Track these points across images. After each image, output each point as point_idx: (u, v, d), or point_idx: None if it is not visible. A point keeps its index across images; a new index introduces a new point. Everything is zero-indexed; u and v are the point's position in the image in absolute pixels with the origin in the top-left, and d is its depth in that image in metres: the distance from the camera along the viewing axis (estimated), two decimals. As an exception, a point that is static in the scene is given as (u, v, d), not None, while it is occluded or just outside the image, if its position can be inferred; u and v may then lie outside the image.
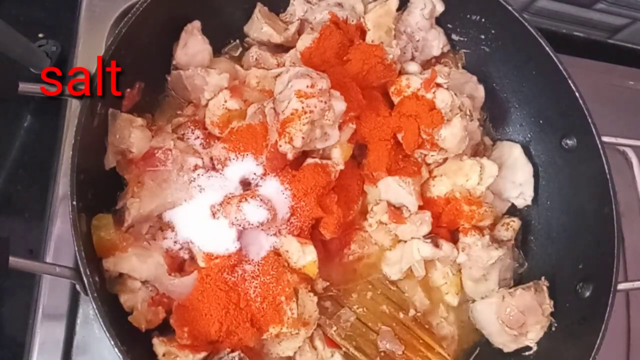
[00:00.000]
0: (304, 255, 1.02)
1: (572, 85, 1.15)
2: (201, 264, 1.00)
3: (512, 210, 1.28)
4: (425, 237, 1.15)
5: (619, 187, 1.11)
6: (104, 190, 1.01)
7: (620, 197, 1.11)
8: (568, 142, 1.20)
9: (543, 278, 1.18)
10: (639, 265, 1.44)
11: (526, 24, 1.18)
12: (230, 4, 1.21)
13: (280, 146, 1.00)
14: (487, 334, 1.18)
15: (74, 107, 1.17)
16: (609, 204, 1.10)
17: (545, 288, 1.16)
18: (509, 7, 1.18)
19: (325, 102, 1.00)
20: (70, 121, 1.18)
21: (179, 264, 1.03)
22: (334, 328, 1.08)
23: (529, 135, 1.28)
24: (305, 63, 1.13)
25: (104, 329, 0.85)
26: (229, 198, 1.01)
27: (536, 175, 1.26)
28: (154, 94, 1.14)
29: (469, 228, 1.17)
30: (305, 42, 1.15)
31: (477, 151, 1.28)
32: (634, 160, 1.25)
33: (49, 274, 1.03)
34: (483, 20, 1.25)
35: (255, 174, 1.04)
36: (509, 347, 1.16)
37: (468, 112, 1.14)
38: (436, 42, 1.27)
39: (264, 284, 1.00)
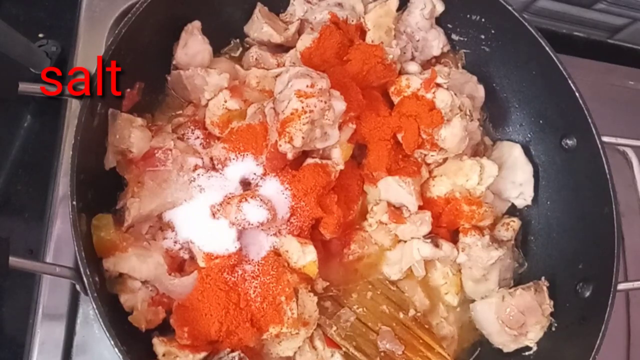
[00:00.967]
0: (304, 255, 1.02)
1: (572, 85, 1.15)
2: (201, 264, 1.00)
3: (512, 210, 1.28)
4: (425, 237, 1.15)
5: (619, 187, 1.11)
6: (104, 190, 1.01)
7: (620, 197, 1.11)
8: (568, 142, 1.20)
9: (543, 278, 1.18)
10: (639, 265, 1.44)
11: (526, 24, 1.18)
12: (230, 4, 1.21)
13: (280, 146, 1.00)
14: (487, 334, 1.18)
15: (74, 107, 1.17)
16: (609, 204, 1.10)
17: (545, 288, 1.16)
18: (509, 7, 1.18)
19: (325, 102, 1.00)
20: (70, 121, 1.18)
21: (179, 264, 1.03)
22: (334, 328, 1.08)
23: (529, 135, 1.28)
24: (305, 63, 1.13)
25: (104, 329, 0.85)
26: (229, 198, 1.01)
27: (536, 175, 1.26)
28: (154, 94, 1.14)
29: (469, 228, 1.17)
30: (305, 42, 1.15)
31: (477, 151, 1.28)
32: (634, 160, 1.25)
33: (49, 274, 1.03)
34: (483, 20, 1.25)
35: (255, 174, 1.04)
36: (508, 347, 1.16)
37: (468, 112, 1.14)
38: (436, 42, 1.27)
39: (264, 284, 1.00)
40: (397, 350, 1.10)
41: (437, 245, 1.14)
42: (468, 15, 1.26)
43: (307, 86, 0.99)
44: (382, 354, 1.10)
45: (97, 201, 0.98)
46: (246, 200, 0.99)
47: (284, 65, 1.16)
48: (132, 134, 1.02)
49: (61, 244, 1.11)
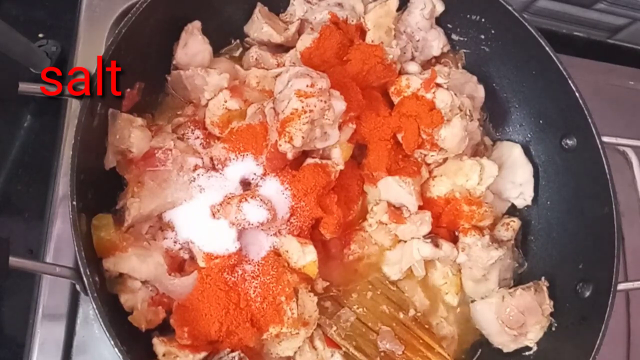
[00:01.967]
0: (304, 255, 1.02)
1: (572, 85, 1.15)
2: (201, 264, 1.00)
3: (512, 210, 1.28)
4: (425, 237, 1.15)
5: (619, 187, 1.11)
6: (104, 190, 1.01)
7: (620, 197, 1.11)
8: (568, 142, 1.20)
9: (543, 278, 1.18)
10: (639, 265, 1.44)
11: (526, 24, 1.18)
12: (230, 4, 1.21)
13: (280, 146, 1.00)
14: (487, 334, 1.18)
15: (74, 107, 1.17)
16: (609, 204, 1.10)
17: (545, 288, 1.16)
18: (509, 7, 1.18)
19: (325, 102, 1.00)
20: (70, 121, 1.18)
21: (179, 264, 1.03)
22: (334, 328, 1.08)
23: (529, 135, 1.28)
24: (305, 63, 1.13)
25: (104, 329, 0.85)
26: (229, 198, 1.01)
27: (536, 175, 1.26)
28: (154, 94, 1.14)
29: (469, 228, 1.17)
30: (305, 42, 1.15)
31: (477, 151, 1.28)
32: (634, 160, 1.25)
33: (49, 274, 1.03)
34: (483, 20, 1.25)
35: (255, 174, 1.04)
36: (508, 347, 1.16)
37: (468, 112, 1.14)
38: (436, 42, 1.27)
39: (264, 284, 1.00)
40: (397, 350, 1.10)
41: (437, 245, 1.14)
42: (468, 15, 1.26)
43: (307, 86, 0.99)
44: (382, 354, 1.10)
45: (97, 201, 0.98)
46: (246, 200, 0.99)
47: (284, 65, 1.16)
48: (132, 134, 1.02)
49: (61, 244, 1.11)
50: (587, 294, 1.12)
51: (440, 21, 1.28)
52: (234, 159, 1.04)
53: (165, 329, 0.99)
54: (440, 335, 1.17)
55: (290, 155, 1.02)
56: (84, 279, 0.87)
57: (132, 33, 1.00)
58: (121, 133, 1.01)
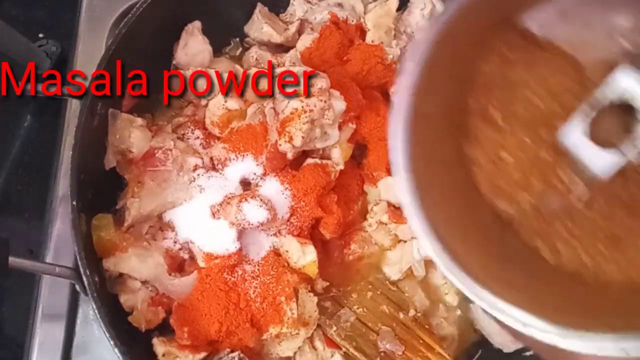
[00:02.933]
0: (304, 255, 1.02)
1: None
2: (201, 264, 1.00)
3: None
4: (425, 237, 1.15)
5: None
6: (104, 190, 1.01)
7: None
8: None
9: (543, 278, 1.18)
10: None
11: (526, 24, 1.17)
12: (230, 4, 1.21)
13: (280, 145, 1.00)
14: (487, 334, 1.18)
15: (74, 107, 1.17)
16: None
17: (545, 288, 1.15)
18: (509, 7, 1.18)
19: (325, 101, 1.00)
20: (70, 121, 1.18)
21: (179, 264, 1.03)
22: (334, 328, 1.08)
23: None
24: (305, 63, 1.13)
25: (104, 329, 0.85)
26: (229, 198, 1.01)
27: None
28: (154, 94, 1.14)
29: (469, 228, 1.17)
30: (305, 42, 1.15)
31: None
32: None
33: (49, 274, 1.03)
34: (483, 20, 1.25)
35: (255, 174, 1.04)
36: (508, 347, 1.16)
37: (468, 112, 1.14)
38: (436, 42, 1.27)
39: (264, 284, 1.00)
40: (397, 351, 1.10)
41: (437, 246, 1.14)
42: (468, 15, 1.26)
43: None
44: (382, 354, 1.10)
45: (97, 201, 0.98)
46: (246, 200, 0.99)
47: (284, 65, 1.16)
48: (132, 134, 1.02)
49: (61, 244, 1.11)
50: (587, 294, 1.11)
51: (440, 21, 1.28)
52: (234, 159, 1.04)
53: (165, 329, 0.99)
54: (441, 336, 1.17)
55: (290, 155, 1.02)
56: (84, 279, 0.87)
57: (132, 33, 1.00)
58: (121, 133, 1.01)
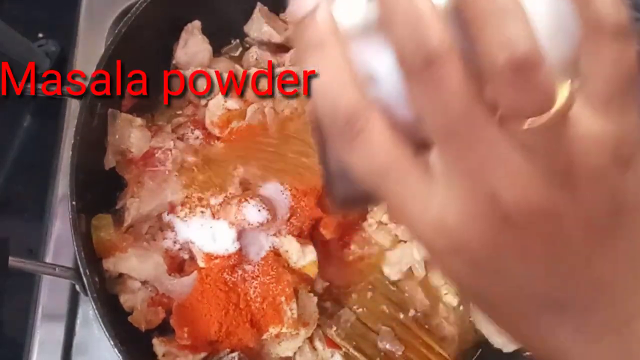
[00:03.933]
0: (304, 256, 1.02)
1: (572, 85, 1.14)
2: (201, 264, 1.00)
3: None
4: (425, 237, 1.15)
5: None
6: (104, 190, 1.01)
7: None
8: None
9: (543, 278, 1.18)
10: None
11: (526, 23, 1.17)
12: (230, 4, 1.21)
13: (280, 146, 1.00)
14: (487, 334, 1.18)
15: (74, 107, 1.16)
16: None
17: (545, 288, 1.15)
18: (509, 7, 1.18)
19: (325, 102, 0.99)
20: (70, 121, 1.17)
21: (179, 264, 1.03)
22: (334, 328, 1.08)
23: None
24: (305, 63, 1.13)
25: (104, 329, 0.85)
26: (229, 198, 1.01)
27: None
28: (154, 94, 1.14)
29: (469, 228, 1.16)
30: (305, 42, 1.15)
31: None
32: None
33: (49, 274, 1.03)
34: (483, 20, 1.25)
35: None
36: (508, 347, 1.15)
37: (468, 112, 1.14)
38: (436, 42, 1.26)
39: (264, 284, 0.99)
40: (397, 351, 1.10)
41: (437, 246, 1.14)
42: (468, 15, 1.26)
43: (307, 86, 0.99)
44: (382, 354, 1.10)
45: (97, 201, 0.98)
46: (246, 200, 0.99)
47: (284, 65, 1.16)
48: (132, 134, 1.02)
49: (61, 244, 1.10)
50: (588, 294, 1.11)
51: (440, 21, 1.28)
52: (233, 159, 1.04)
53: (165, 329, 0.99)
54: (441, 336, 1.17)
55: (290, 155, 1.02)
56: (84, 279, 0.87)
57: (132, 33, 1.00)
58: (121, 133, 1.01)
